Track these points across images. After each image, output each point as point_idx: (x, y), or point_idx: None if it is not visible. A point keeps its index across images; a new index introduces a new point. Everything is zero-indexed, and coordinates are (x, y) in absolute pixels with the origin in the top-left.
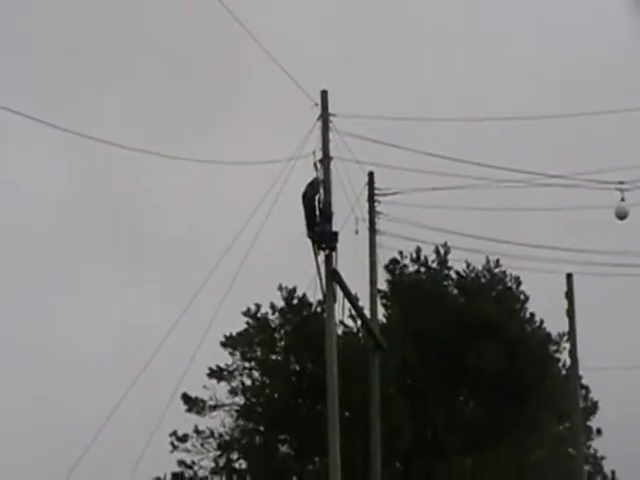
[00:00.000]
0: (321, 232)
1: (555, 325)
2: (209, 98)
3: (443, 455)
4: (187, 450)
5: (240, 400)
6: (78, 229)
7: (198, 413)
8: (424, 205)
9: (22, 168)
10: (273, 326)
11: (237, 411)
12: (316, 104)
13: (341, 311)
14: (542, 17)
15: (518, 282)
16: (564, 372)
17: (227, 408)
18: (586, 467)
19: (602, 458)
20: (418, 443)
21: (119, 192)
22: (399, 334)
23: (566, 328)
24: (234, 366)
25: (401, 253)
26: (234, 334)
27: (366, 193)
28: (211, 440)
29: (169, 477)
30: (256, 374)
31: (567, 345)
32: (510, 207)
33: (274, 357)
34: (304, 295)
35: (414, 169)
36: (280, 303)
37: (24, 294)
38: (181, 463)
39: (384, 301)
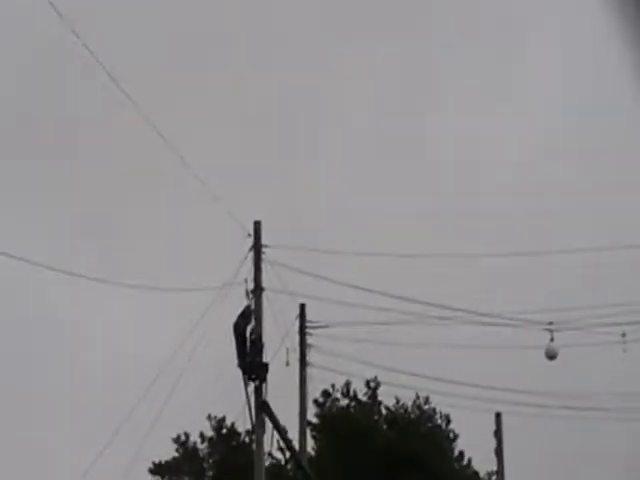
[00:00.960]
0: (251, 363)
1: (483, 463)
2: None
3: None
4: None
5: None
6: None
7: None
8: (355, 339)
9: None
10: (202, 455)
11: None
12: (249, 235)
13: (270, 442)
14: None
15: (448, 420)
16: None
17: None
18: None
19: None
20: None
21: None
22: (328, 467)
23: (494, 467)
24: None
25: (333, 386)
26: (162, 462)
27: (297, 325)
28: None
29: None
30: None
31: None
32: (440, 343)
33: None
34: (233, 424)
35: (345, 302)
36: (209, 432)
37: None
38: None
39: (314, 433)
